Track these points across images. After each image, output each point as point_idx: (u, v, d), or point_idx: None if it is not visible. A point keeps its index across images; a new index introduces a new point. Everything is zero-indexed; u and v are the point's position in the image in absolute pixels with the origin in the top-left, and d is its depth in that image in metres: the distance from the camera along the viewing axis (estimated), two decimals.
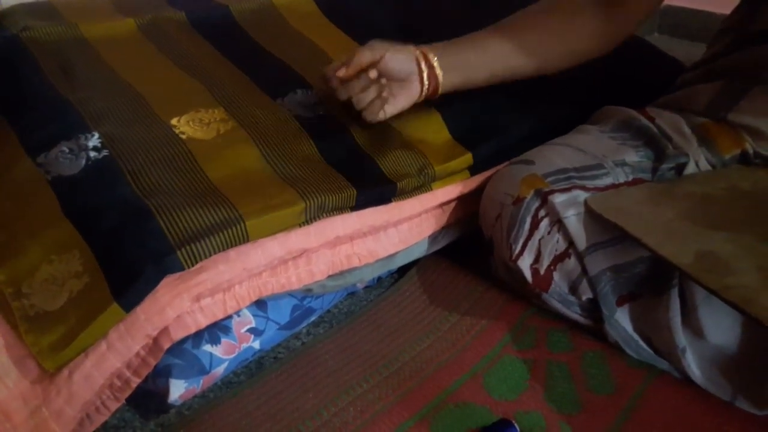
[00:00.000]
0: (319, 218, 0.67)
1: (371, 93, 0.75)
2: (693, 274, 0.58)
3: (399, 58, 0.76)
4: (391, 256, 0.77)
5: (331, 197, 0.66)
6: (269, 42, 0.90)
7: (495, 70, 0.81)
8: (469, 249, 0.85)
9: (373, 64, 0.75)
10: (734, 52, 0.81)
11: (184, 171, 0.66)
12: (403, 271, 0.85)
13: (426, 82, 0.78)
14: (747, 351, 0.64)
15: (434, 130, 0.80)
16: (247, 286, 0.64)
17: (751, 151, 0.77)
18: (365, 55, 0.74)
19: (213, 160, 0.68)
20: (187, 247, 0.58)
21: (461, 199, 0.82)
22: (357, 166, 0.71)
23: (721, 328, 0.65)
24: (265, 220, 0.62)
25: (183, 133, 0.71)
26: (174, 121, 0.73)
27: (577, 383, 0.68)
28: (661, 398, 0.65)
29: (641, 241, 0.63)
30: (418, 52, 0.77)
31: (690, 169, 0.76)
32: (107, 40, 0.87)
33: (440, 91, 0.79)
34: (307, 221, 0.66)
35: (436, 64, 0.77)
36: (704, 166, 0.78)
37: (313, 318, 0.76)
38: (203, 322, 0.61)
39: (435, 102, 0.82)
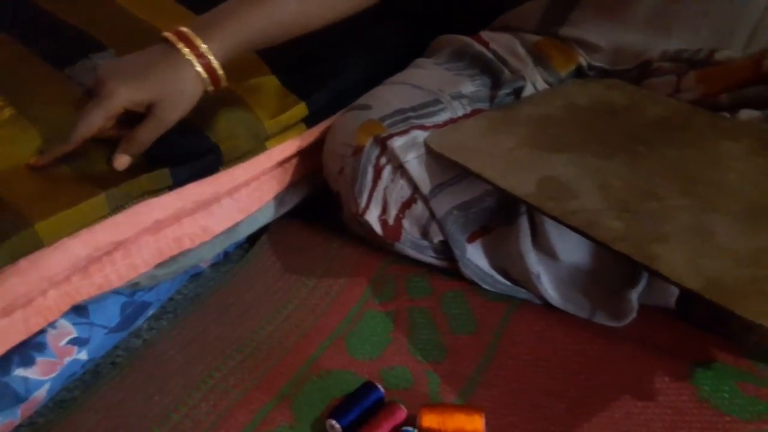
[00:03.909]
0: (129, 206, 0.58)
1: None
2: (535, 204, 0.57)
3: (184, 91, 0.59)
4: (233, 228, 0.70)
5: (138, 181, 0.58)
6: (57, 5, 0.78)
7: (284, 31, 0.67)
8: (320, 206, 0.80)
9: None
10: None
11: None
12: (253, 240, 0.79)
13: (210, 87, 0.62)
14: (600, 265, 0.65)
15: (260, 80, 0.73)
16: (53, 295, 0.55)
17: (585, 65, 0.76)
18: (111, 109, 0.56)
19: None
20: None
21: (302, 154, 0.76)
22: (168, 136, 0.63)
23: (573, 246, 0.64)
24: (60, 219, 0.53)
25: None
26: None
27: (440, 327, 0.66)
28: (523, 329, 0.64)
29: (482, 176, 0.61)
30: (196, 64, 0.59)
31: (528, 91, 0.75)
32: None
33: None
34: (113, 211, 0.57)
35: (211, 59, 0.60)
36: (542, 86, 0.77)
37: (150, 312, 0.68)
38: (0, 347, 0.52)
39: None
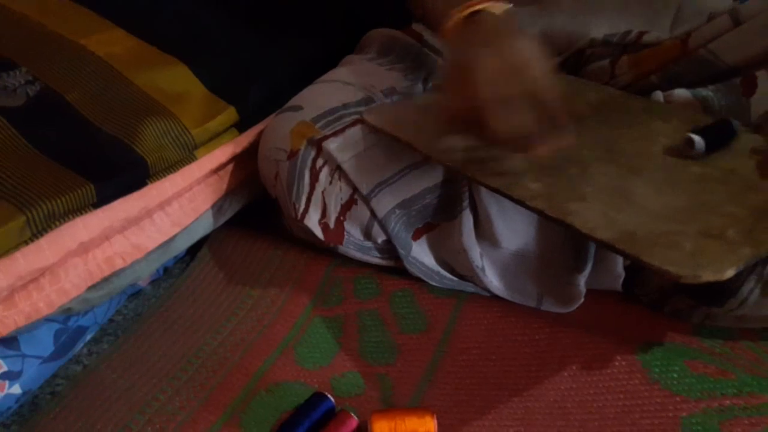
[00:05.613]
0: (52, 228, 0.55)
1: None
2: (459, 169, 0.55)
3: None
4: (168, 243, 0.68)
5: (60, 201, 0.55)
6: None
7: None
8: (262, 212, 0.78)
9: None
10: None
11: None
12: (194, 252, 0.76)
13: None
14: (545, 253, 0.64)
15: (185, 87, 0.70)
16: None
17: None
18: None
19: None
20: None
21: (237, 160, 0.73)
22: (91, 150, 0.60)
23: (516, 233, 0.64)
24: None
25: None
26: None
27: (390, 328, 0.65)
28: (472, 323, 0.64)
29: (412, 146, 0.59)
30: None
31: None
32: None
33: None
34: (35, 236, 0.54)
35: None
36: None
37: (89, 336, 0.65)
38: None
39: (180, 53, 0.72)
